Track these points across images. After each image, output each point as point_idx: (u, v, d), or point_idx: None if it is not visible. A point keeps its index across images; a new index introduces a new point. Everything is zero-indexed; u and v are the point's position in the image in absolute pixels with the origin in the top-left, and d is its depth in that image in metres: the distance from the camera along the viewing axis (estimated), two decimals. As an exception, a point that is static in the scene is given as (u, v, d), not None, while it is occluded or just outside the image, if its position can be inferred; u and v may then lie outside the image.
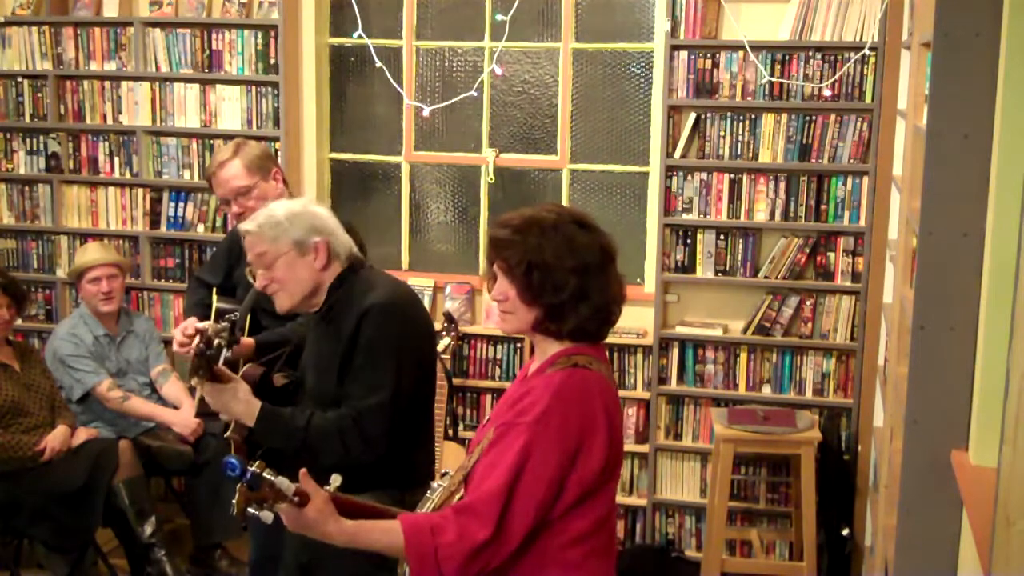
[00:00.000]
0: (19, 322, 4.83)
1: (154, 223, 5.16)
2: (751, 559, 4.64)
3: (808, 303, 4.58)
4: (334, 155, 5.21)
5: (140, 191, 5.16)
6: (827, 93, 4.39)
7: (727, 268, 4.64)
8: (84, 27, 5.09)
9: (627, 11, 4.84)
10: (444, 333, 4.47)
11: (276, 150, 4.86)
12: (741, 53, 4.44)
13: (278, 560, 2.90)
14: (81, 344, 4.47)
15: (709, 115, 4.55)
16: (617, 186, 4.94)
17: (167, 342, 4.71)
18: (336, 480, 2.01)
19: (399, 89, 4.68)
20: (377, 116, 5.17)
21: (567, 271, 2.01)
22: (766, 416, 4.41)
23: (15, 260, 5.32)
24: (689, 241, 4.64)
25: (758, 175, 4.55)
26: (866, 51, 4.28)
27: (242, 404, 2.60)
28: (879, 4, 4.26)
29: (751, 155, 4.53)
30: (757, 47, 4.37)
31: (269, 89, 4.94)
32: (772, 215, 4.55)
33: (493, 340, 4.91)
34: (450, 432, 4.82)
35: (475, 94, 4.25)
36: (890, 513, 3.30)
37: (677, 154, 4.59)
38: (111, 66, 5.09)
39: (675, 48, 4.52)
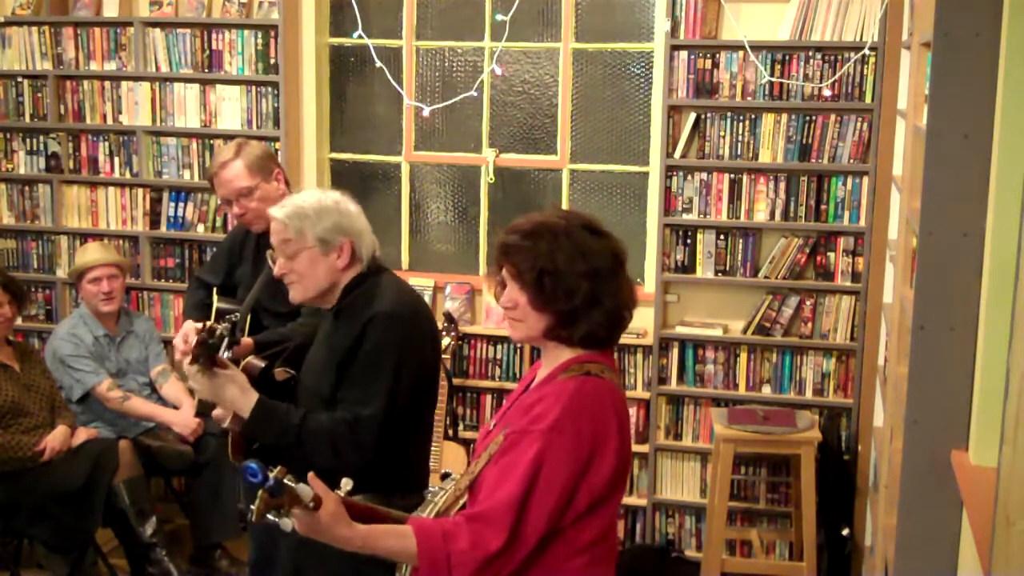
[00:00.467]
0: (19, 322, 4.83)
1: (154, 223, 5.16)
2: (751, 559, 4.64)
3: (808, 303, 4.58)
4: (334, 155, 5.21)
5: (140, 191, 5.16)
6: (827, 93, 4.39)
7: (727, 268, 4.64)
8: (84, 27, 5.09)
9: (627, 11, 4.84)
10: (444, 333, 4.48)
11: (276, 150, 4.86)
12: (741, 53, 4.44)
13: (278, 560, 2.90)
14: (81, 344, 4.47)
15: (709, 115, 4.55)
16: (617, 186, 4.94)
17: (167, 342, 4.72)
18: (347, 484, 2.00)
19: (399, 89, 4.68)
20: (377, 116, 5.17)
21: (579, 276, 1.99)
22: (766, 416, 4.42)
23: (15, 260, 5.32)
24: (689, 241, 4.65)
25: (758, 175, 4.55)
26: (866, 51, 4.28)
27: (239, 394, 2.59)
28: (879, 4, 4.26)
29: (751, 155, 4.54)
30: (757, 47, 4.37)
31: (269, 89, 4.94)
32: (772, 215, 4.55)
33: (493, 340, 4.91)
34: (450, 432, 4.82)
35: (475, 94, 4.25)
36: (890, 513, 3.30)
37: (677, 154, 4.59)
38: (111, 66, 5.09)
39: (675, 48, 4.53)
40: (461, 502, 2.09)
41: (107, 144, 5.15)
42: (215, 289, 3.54)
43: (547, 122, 4.97)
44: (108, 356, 4.55)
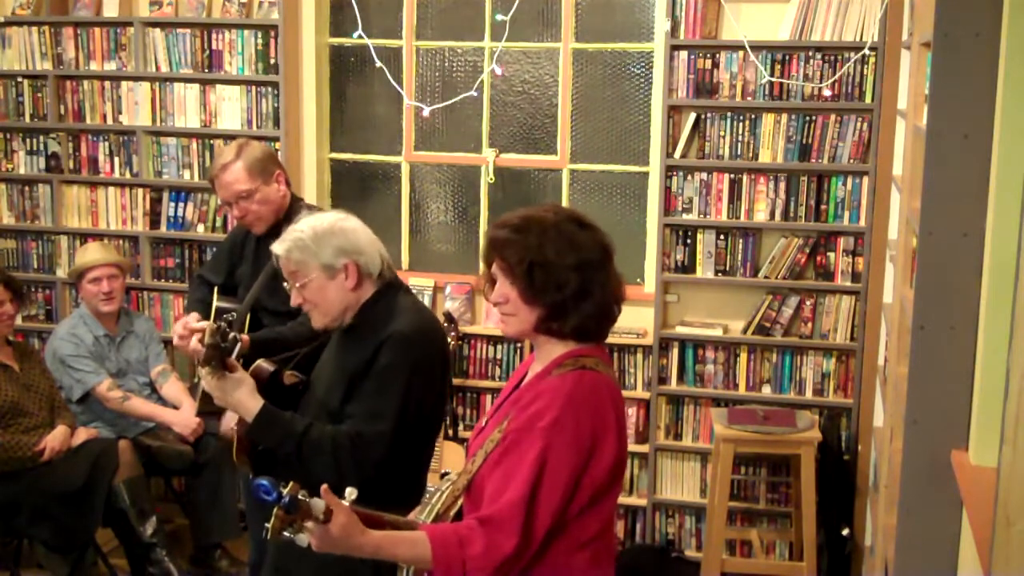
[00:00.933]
0: (19, 322, 4.83)
1: (154, 223, 5.16)
2: (751, 559, 4.64)
3: (808, 303, 4.58)
4: (334, 155, 5.21)
5: (140, 191, 5.16)
6: (827, 93, 4.39)
7: (727, 268, 4.64)
8: (84, 27, 5.09)
9: (627, 11, 4.84)
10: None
11: (276, 150, 4.86)
12: (741, 53, 4.44)
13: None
14: (81, 344, 4.47)
15: (709, 115, 4.55)
16: (617, 186, 4.94)
17: (167, 342, 4.72)
18: (352, 493, 1.99)
19: (399, 89, 4.68)
20: (377, 116, 5.17)
21: (568, 268, 2.01)
22: (766, 416, 4.41)
23: (15, 260, 5.32)
24: (689, 241, 4.64)
25: (758, 175, 4.55)
26: (866, 51, 4.28)
27: (245, 398, 2.60)
28: (879, 4, 4.26)
29: (751, 155, 4.53)
30: (757, 47, 4.37)
31: (269, 89, 4.94)
32: (772, 215, 4.55)
33: (493, 340, 4.91)
34: (450, 432, 4.82)
35: (475, 94, 4.25)
36: (890, 513, 3.30)
37: (677, 154, 4.59)
38: (111, 66, 5.09)
39: (675, 48, 4.52)
40: (459, 503, 2.09)
41: (107, 144, 5.15)
42: (216, 288, 3.54)
43: (547, 122, 4.97)
44: (108, 356, 4.55)
